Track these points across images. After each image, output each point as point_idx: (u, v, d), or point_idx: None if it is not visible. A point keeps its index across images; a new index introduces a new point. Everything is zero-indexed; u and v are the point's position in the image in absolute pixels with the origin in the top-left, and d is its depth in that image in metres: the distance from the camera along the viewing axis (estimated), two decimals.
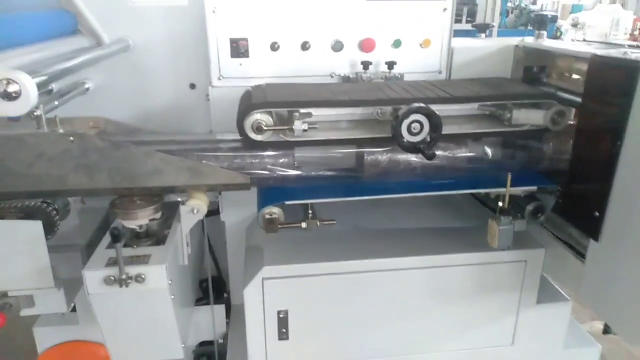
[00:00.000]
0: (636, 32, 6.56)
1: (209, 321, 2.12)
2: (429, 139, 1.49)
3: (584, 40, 1.94)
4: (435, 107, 1.51)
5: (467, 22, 6.35)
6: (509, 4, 6.59)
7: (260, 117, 1.51)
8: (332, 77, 2.00)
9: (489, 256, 1.72)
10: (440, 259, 1.72)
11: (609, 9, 8.48)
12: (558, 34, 6.92)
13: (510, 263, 1.75)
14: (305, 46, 1.95)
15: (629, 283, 1.33)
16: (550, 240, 1.75)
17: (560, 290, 1.92)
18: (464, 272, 1.75)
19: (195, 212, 1.59)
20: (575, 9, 8.98)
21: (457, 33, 2.21)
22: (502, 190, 1.58)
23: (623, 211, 1.35)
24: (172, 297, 1.51)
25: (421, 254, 1.72)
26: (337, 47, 1.97)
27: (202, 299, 2.39)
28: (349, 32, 1.95)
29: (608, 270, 1.42)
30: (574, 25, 7.82)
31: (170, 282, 1.48)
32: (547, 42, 1.92)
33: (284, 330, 1.74)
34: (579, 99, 1.58)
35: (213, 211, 2.12)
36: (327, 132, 1.59)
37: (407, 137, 1.49)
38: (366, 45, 1.97)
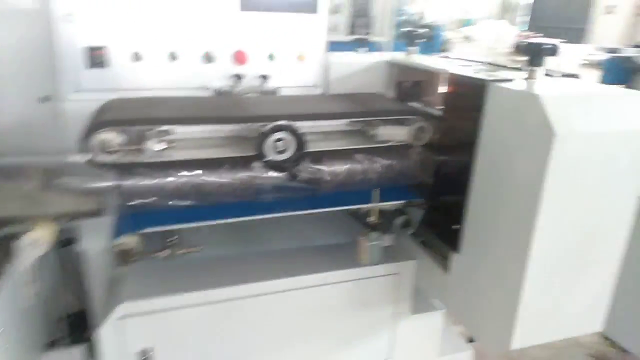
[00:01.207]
0: None
1: None
2: (294, 157, 1.44)
3: (448, 57, 2.02)
4: (304, 124, 1.47)
5: (365, 34, 6.53)
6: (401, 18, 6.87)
7: (107, 136, 1.36)
8: (204, 90, 1.90)
9: (362, 271, 1.72)
10: (313, 278, 1.68)
11: (494, 25, 9.25)
12: (444, 47, 7.35)
13: (383, 277, 1.76)
14: (173, 57, 1.83)
15: (485, 293, 1.39)
16: (421, 252, 1.79)
17: (434, 299, 1.97)
18: (338, 290, 1.73)
19: (35, 246, 1.39)
20: (467, 23, 9.63)
21: (353, 45, 2.24)
22: (370, 206, 1.59)
23: (477, 223, 1.40)
24: None
25: (293, 275, 1.67)
26: (209, 58, 1.87)
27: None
28: (221, 43, 1.87)
29: (468, 280, 1.46)
30: (465, 38, 8.41)
31: None
32: (415, 58, 1.98)
33: None
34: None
35: (72, 239, 1.91)
36: (190, 151, 1.49)
37: (272, 155, 1.43)
38: (239, 57, 1.89)
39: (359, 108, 1.67)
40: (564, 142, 1.11)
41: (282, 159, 1.44)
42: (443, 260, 1.64)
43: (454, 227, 1.48)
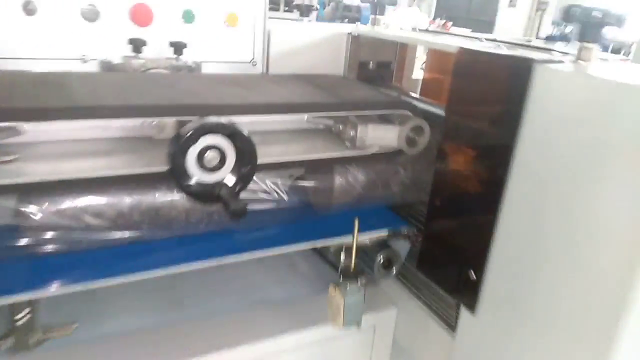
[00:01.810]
0: None
1: None
2: (235, 179, 0.88)
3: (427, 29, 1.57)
4: (248, 119, 0.92)
5: (285, 11, 5.99)
6: None
7: None
8: (83, 62, 1.25)
9: (328, 330, 1.21)
10: (263, 346, 1.14)
11: (406, 12, 9.13)
12: None
13: (356, 333, 1.27)
14: (28, 8, 1.17)
15: None
16: (404, 295, 1.31)
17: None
18: (298, 357, 1.21)
19: None
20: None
21: None
22: (343, 241, 1.08)
23: (512, 271, 0.95)
24: None
25: (235, 345, 1.11)
26: (90, 15, 1.23)
27: None
28: None
29: (491, 352, 1.02)
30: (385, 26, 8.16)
31: None
32: (389, 30, 1.49)
33: None
34: (437, 110, 1.18)
35: None
36: (54, 164, 0.87)
37: (197, 174, 0.86)
38: (139, 15, 1.27)
39: (327, 97, 1.13)
40: None
41: (213, 180, 0.87)
42: (442, 314, 1.19)
43: (470, 274, 1.02)
